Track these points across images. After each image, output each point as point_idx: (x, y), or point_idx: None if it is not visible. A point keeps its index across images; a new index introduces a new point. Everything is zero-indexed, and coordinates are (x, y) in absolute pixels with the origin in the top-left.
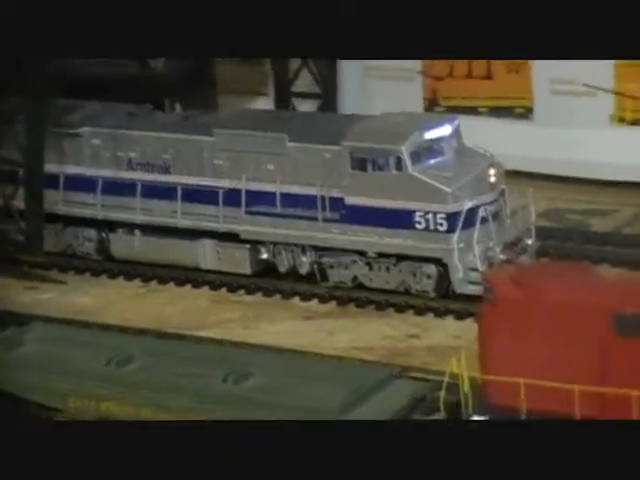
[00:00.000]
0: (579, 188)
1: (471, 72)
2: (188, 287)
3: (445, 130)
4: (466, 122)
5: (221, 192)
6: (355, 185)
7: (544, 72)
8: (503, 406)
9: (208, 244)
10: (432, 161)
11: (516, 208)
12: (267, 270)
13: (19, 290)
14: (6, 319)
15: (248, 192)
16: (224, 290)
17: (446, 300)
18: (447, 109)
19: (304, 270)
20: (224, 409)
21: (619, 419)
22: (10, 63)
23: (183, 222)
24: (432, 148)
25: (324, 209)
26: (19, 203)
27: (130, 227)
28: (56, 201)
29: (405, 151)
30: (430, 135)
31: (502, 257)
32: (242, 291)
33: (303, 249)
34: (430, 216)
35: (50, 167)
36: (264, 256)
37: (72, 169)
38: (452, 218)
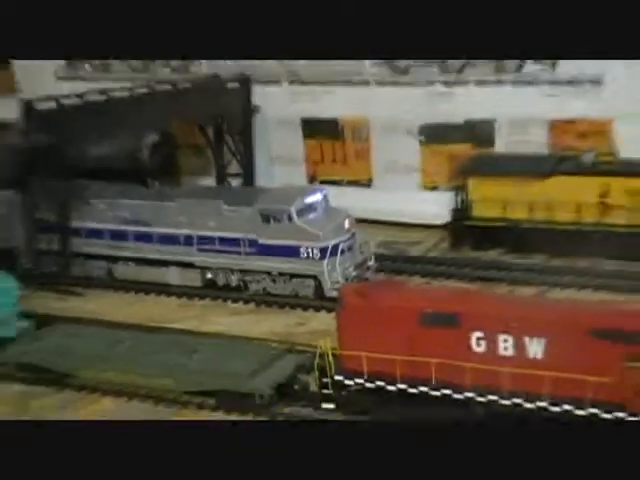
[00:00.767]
0: (400, 229)
1: (335, 159)
2: (163, 296)
3: (318, 196)
4: (332, 190)
5: (182, 237)
6: (264, 231)
7: (380, 157)
8: (352, 370)
9: (174, 269)
10: (310, 216)
11: (362, 242)
12: (211, 284)
13: (54, 301)
14: (44, 322)
15: (198, 236)
16: (185, 298)
17: (321, 300)
18: (321, 182)
19: (234, 284)
20: (179, 373)
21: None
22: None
23: (158, 256)
24: (310, 207)
25: (245, 246)
26: (54, 246)
27: (126, 259)
28: (79, 244)
29: (293, 210)
30: (309, 200)
31: (354, 273)
32: (196, 298)
33: (232, 271)
34: (309, 249)
35: (75, 223)
36: (209, 276)
37: (89, 224)
38: (322, 251)
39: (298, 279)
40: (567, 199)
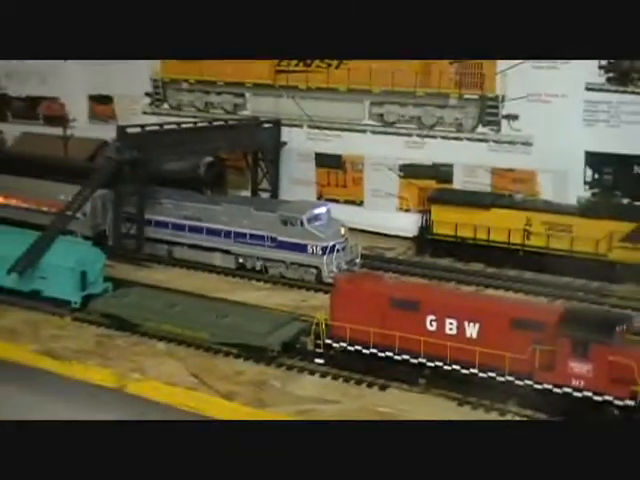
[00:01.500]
0: (381, 238)
1: (337, 183)
2: (206, 273)
3: (323, 209)
4: (334, 206)
5: (223, 231)
6: (282, 232)
7: (369, 185)
8: (339, 336)
9: (216, 254)
10: (317, 223)
11: (352, 245)
12: (241, 267)
13: (130, 270)
14: (122, 284)
15: (235, 232)
16: (222, 275)
17: (319, 284)
18: (325, 200)
19: (258, 268)
20: (215, 330)
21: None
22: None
23: (206, 244)
24: (317, 217)
25: (268, 241)
26: (133, 231)
27: (182, 245)
28: (150, 231)
29: (305, 218)
30: (316, 211)
31: (345, 267)
32: (230, 276)
33: (257, 258)
34: (314, 247)
35: (148, 216)
36: (240, 260)
37: (158, 217)
38: (324, 249)
39: (304, 267)
40: (501, 225)
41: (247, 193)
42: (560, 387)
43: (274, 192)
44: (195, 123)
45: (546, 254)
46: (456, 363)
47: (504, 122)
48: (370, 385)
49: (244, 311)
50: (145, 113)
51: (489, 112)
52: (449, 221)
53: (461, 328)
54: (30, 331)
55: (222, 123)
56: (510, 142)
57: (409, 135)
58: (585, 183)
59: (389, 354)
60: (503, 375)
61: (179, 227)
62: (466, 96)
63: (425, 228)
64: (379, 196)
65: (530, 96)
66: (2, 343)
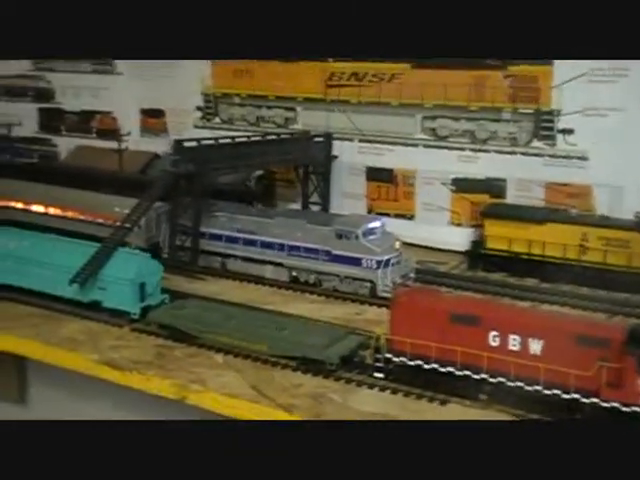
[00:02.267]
0: (433, 252)
1: (388, 197)
2: (260, 285)
3: (378, 223)
4: (388, 221)
5: (276, 244)
6: (336, 245)
7: (421, 199)
8: (399, 350)
9: (269, 267)
10: (371, 237)
11: (406, 259)
12: (294, 280)
13: (184, 282)
14: (177, 296)
15: (289, 245)
16: (275, 288)
17: (373, 298)
18: (377, 213)
19: (311, 281)
20: (273, 342)
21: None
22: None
23: (259, 256)
24: (371, 231)
25: (322, 254)
26: (188, 244)
27: (235, 257)
28: (205, 244)
29: (360, 232)
30: (371, 225)
31: (400, 281)
32: (284, 289)
33: (310, 272)
34: (369, 261)
35: (203, 228)
36: (294, 274)
37: (212, 230)
38: (378, 263)
39: (358, 281)
40: (556, 240)
41: (297, 206)
42: (628, 406)
43: (325, 205)
44: (249, 137)
45: (603, 269)
46: (519, 380)
47: (559, 136)
48: (431, 400)
49: (301, 324)
50: (196, 127)
51: (544, 126)
52: (502, 235)
53: (524, 344)
54: (90, 341)
55: (274, 137)
56: (565, 156)
57: (462, 149)
58: None
59: (450, 369)
60: (568, 392)
61: (233, 240)
62: (521, 110)
63: (478, 243)
64: (431, 210)
65: (586, 110)
66: (64, 352)
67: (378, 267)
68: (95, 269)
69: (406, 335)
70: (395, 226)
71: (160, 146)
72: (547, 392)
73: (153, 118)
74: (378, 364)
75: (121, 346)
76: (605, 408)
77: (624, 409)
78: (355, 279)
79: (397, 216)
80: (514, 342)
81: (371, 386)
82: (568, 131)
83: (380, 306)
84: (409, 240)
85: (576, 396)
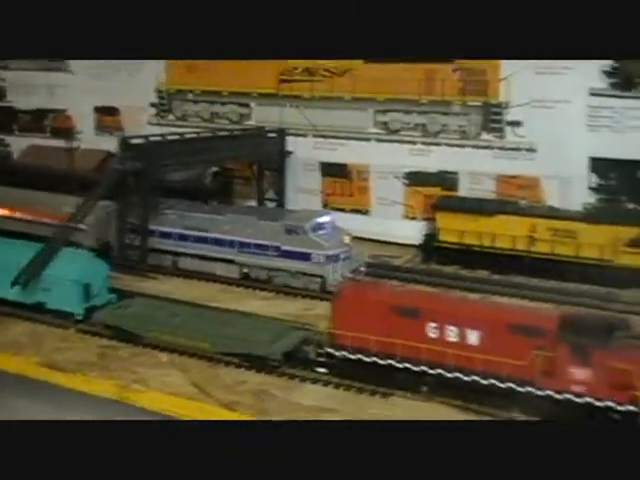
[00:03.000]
0: (388, 246)
1: (343, 192)
2: (211, 283)
3: (327, 218)
4: (339, 216)
5: (227, 241)
6: (285, 241)
7: (375, 194)
8: (341, 344)
9: (220, 264)
10: (320, 232)
11: (357, 253)
12: (245, 277)
13: (135, 281)
14: (127, 295)
15: (239, 242)
16: (227, 284)
17: (324, 294)
18: (332, 209)
19: (262, 277)
20: (216, 340)
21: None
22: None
23: (209, 254)
24: (320, 226)
25: (272, 250)
26: (137, 242)
27: (186, 255)
28: (155, 242)
29: (308, 226)
30: (320, 220)
31: (350, 275)
32: (234, 286)
33: (261, 268)
34: (318, 256)
35: (152, 226)
36: (245, 270)
37: (162, 228)
38: (327, 257)
39: (308, 276)
40: (506, 232)
41: (253, 203)
42: (561, 393)
43: (280, 202)
44: (198, 133)
45: (551, 260)
46: (458, 370)
47: (508, 129)
48: (372, 393)
49: (246, 320)
50: (151, 124)
51: (493, 119)
52: (454, 228)
53: (462, 335)
54: (33, 343)
55: (226, 133)
56: (514, 149)
57: (414, 143)
58: (590, 189)
59: (391, 362)
60: (504, 382)
61: (183, 237)
62: (470, 103)
63: (431, 236)
64: (385, 204)
65: (533, 102)
66: (6, 355)
67: (328, 262)
68: (38, 270)
69: (350, 329)
70: (350, 221)
71: (115, 144)
72: (484, 382)
73: (108, 116)
74: (320, 359)
75: (65, 348)
76: (539, 396)
77: (557, 397)
78: (305, 274)
79: (352, 211)
80: (452, 333)
81: (314, 381)
82: (516, 123)
83: (330, 301)
84: (364, 235)
85: (512, 385)
